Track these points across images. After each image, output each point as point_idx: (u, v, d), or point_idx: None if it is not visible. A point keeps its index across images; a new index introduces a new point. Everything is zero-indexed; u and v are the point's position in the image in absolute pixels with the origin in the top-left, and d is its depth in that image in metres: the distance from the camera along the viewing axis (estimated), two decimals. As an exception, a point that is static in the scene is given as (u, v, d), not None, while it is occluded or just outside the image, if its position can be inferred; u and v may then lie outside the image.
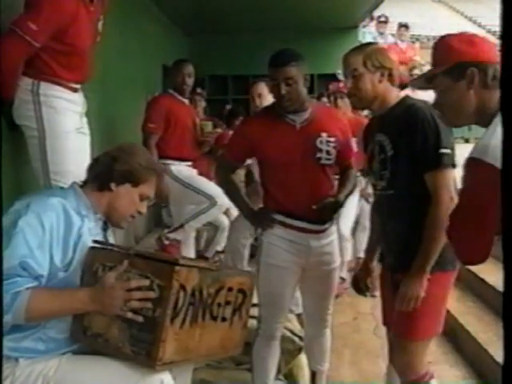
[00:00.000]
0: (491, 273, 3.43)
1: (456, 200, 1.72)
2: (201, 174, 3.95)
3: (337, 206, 2.31)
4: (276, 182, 2.31)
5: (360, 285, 2.27)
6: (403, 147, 1.93)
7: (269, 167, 2.34)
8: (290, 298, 2.41)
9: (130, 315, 1.53)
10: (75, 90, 2.30)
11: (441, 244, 1.84)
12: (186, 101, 3.93)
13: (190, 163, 3.87)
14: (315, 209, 2.22)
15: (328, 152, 2.29)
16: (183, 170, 3.77)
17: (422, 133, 1.88)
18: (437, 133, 1.86)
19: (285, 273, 2.27)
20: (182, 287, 1.52)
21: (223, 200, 3.40)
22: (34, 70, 2.15)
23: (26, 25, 2.03)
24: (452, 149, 1.90)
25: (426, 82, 1.63)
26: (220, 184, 2.53)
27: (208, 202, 3.67)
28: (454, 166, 1.90)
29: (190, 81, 3.83)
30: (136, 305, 1.52)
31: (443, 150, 1.87)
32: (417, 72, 6.02)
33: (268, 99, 3.92)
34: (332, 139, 2.31)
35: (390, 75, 2.01)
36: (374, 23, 8.04)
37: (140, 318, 1.52)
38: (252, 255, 3.60)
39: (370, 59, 1.99)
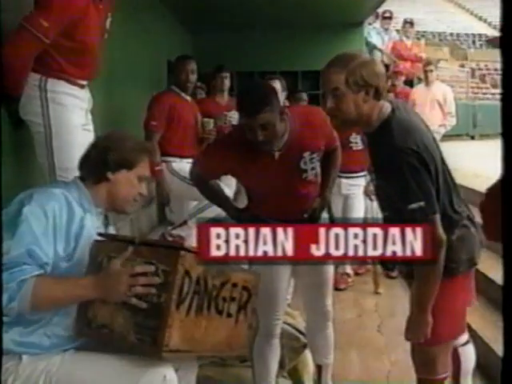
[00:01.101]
0: (497, 271, 3.41)
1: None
2: None
3: (325, 205, 2.29)
4: (260, 199, 2.26)
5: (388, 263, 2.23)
6: (383, 184, 1.84)
7: (250, 192, 2.30)
8: (285, 294, 2.40)
9: (134, 301, 1.53)
10: (82, 87, 2.31)
11: (435, 284, 1.75)
12: (189, 98, 3.92)
13: (190, 160, 3.86)
14: (306, 216, 2.20)
15: (313, 168, 2.21)
16: (185, 166, 3.76)
17: (394, 185, 1.74)
18: (406, 187, 1.69)
19: (277, 269, 2.25)
20: (187, 273, 1.53)
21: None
22: (42, 66, 2.16)
23: (38, 22, 2.04)
24: (427, 197, 1.69)
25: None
26: (198, 191, 2.41)
27: None
28: (433, 213, 1.70)
29: (193, 78, 3.81)
30: (141, 290, 1.53)
31: (413, 206, 1.68)
32: (431, 68, 5.90)
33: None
34: (315, 154, 2.20)
35: (377, 92, 1.76)
36: (379, 20, 8.01)
37: (144, 305, 1.53)
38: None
39: (353, 77, 1.72)
